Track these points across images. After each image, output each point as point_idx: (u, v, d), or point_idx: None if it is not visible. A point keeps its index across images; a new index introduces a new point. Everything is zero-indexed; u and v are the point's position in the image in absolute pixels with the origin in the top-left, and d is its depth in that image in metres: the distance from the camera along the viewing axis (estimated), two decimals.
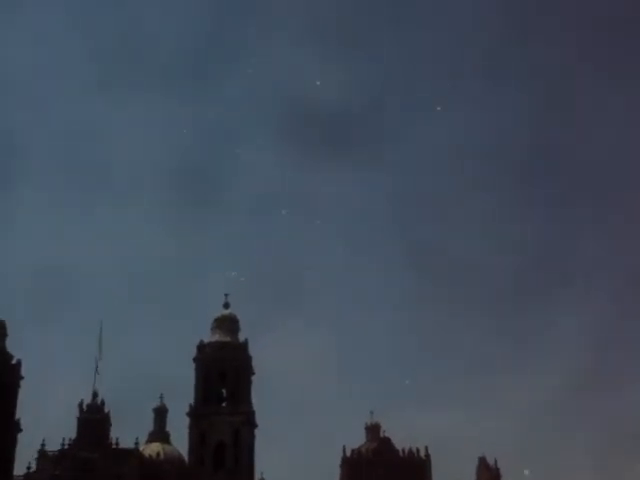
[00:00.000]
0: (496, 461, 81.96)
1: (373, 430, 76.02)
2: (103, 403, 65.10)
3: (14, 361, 65.42)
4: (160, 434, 73.58)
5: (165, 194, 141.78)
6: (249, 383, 70.73)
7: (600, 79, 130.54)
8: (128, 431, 66.09)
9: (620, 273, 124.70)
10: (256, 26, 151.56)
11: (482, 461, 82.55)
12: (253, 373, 71.54)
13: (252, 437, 69.31)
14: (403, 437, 76.65)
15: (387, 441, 74.42)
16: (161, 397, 75.32)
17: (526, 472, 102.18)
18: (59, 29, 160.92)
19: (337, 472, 71.89)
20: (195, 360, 70.37)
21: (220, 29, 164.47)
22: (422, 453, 75.09)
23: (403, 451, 74.40)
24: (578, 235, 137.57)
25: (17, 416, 63.11)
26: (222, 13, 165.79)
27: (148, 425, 75.11)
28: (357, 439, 76.45)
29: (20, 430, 62.63)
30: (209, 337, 72.35)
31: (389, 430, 75.77)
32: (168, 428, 75.27)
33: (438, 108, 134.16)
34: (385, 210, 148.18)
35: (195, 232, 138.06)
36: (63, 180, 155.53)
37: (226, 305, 74.38)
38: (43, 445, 61.87)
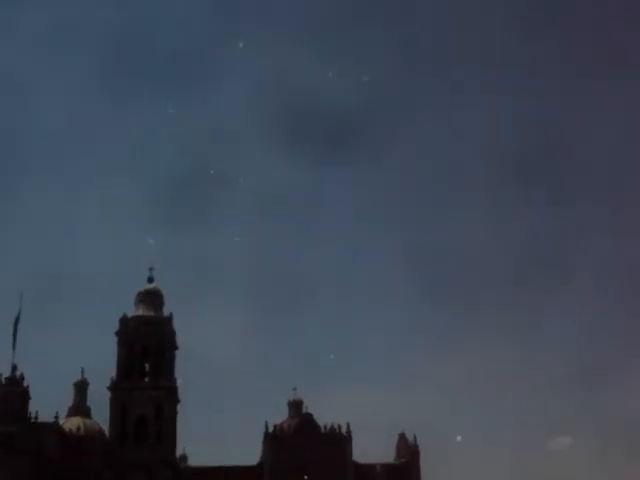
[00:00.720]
0: (415, 437, 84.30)
1: (295, 406, 76.96)
2: (22, 377, 64.33)
3: None
4: (81, 408, 72.56)
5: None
6: (172, 358, 70.53)
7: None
8: (48, 405, 65.64)
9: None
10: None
11: (402, 437, 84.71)
12: (177, 348, 71.31)
13: (174, 411, 69.33)
14: (325, 413, 78.10)
15: (309, 417, 75.37)
16: (82, 371, 74.22)
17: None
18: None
19: (259, 447, 72.60)
20: (117, 334, 69.79)
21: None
22: (344, 429, 76.55)
23: (325, 427, 75.52)
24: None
25: None
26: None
27: (68, 400, 74.11)
28: (280, 415, 77.46)
29: None
30: (133, 311, 71.92)
31: (312, 406, 76.97)
32: (89, 403, 74.39)
33: None
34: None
35: None
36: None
37: (150, 279, 73.88)
38: None
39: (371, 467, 79.45)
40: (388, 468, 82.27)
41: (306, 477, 67.98)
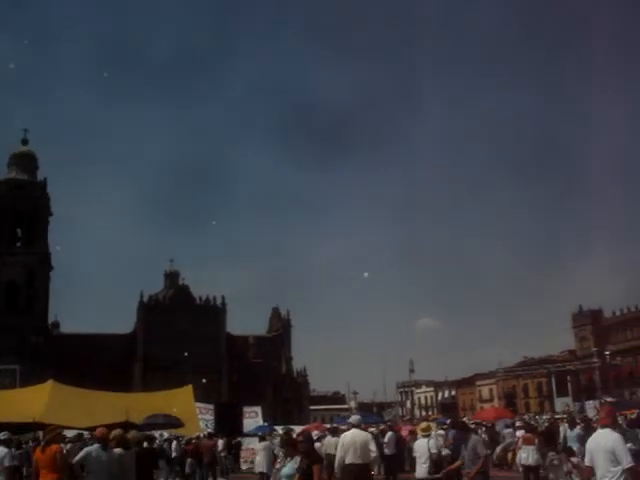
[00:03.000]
0: (288, 312, 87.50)
1: (172, 277, 77.48)
2: None
3: None
4: None
5: None
6: (46, 224, 68.56)
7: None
8: None
9: None
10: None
11: (275, 311, 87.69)
12: (51, 214, 69.30)
13: (47, 279, 68.26)
14: (202, 287, 79.56)
15: (185, 288, 76.39)
16: None
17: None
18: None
19: (134, 317, 73.15)
20: None
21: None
22: (219, 301, 78.16)
23: (200, 299, 76.92)
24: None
25: None
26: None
27: None
28: (156, 286, 77.95)
29: None
30: (5, 174, 68.80)
31: (188, 278, 77.94)
32: None
33: None
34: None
35: None
36: None
37: (24, 141, 70.27)
38: None
39: (244, 339, 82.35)
40: (261, 340, 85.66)
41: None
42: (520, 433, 17.70)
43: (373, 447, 10.19)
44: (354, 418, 11.29)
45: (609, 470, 6.76)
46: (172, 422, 21.59)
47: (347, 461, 10.03)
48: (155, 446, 19.99)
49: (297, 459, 8.05)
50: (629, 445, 16.62)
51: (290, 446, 8.03)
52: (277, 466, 15.20)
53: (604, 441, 6.94)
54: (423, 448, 11.52)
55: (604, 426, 7.15)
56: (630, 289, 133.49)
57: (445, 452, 15.06)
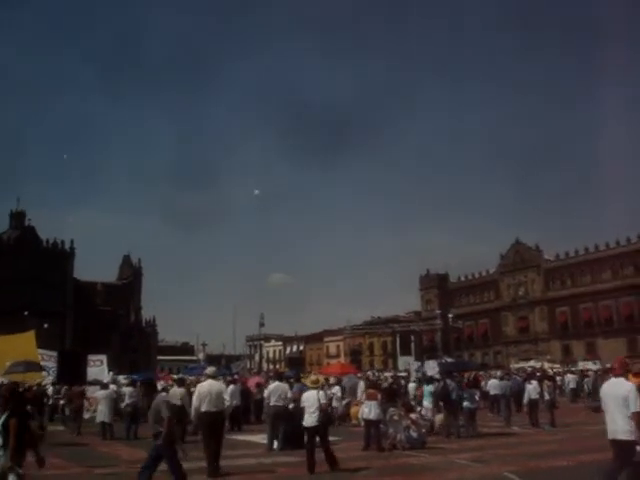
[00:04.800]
0: (140, 260, 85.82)
1: (17, 218, 73.60)
2: None
3: None
4: None
5: None
6: None
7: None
8: None
9: None
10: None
11: (126, 259, 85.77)
12: None
13: None
14: (50, 230, 75.93)
15: (31, 230, 72.90)
16: None
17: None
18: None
19: None
20: None
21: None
22: (67, 246, 75.37)
23: (47, 241, 73.79)
24: None
25: None
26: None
27: None
28: (1, 226, 74.07)
29: None
30: None
31: (35, 220, 74.21)
32: None
33: None
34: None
35: None
36: None
37: None
38: None
39: (92, 285, 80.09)
40: (110, 287, 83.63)
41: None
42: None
43: (227, 397, 11.57)
44: (210, 369, 12.26)
45: (620, 412, 7.74)
46: (34, 368, 21.06)
47: (203, 409, 10.94)
48: None
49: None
50: (466, 404, 17.86)
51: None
52: None
53: (617, 389, 7.91)
54: (313, 399, 11.90)
55: (617, 376, 8.17)
56: (474, 257, 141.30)
57: (292, 405, 15.79)
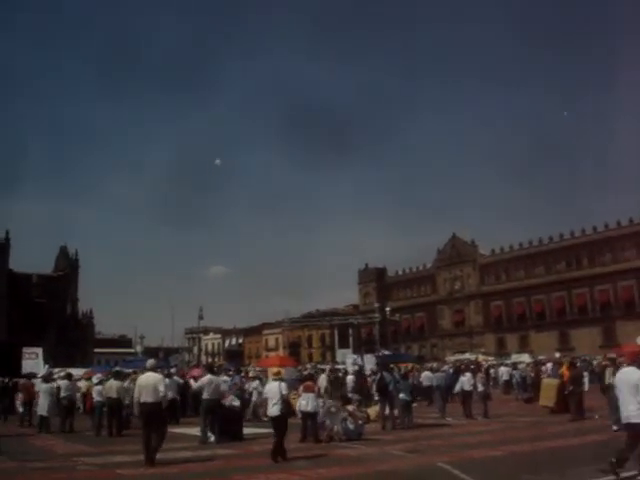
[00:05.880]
0: (77, 251, 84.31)
1: None
2: None
3: None
4: None
5: None
6: None
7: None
8: None
9: None
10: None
11: (62, 250, 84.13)
12: None
13: None
14: None
15: None
16: None
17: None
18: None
19: None
20: None
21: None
22: (2, 236, 73.64)
23: None
24: None
25: None
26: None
27: None
28: None
29: None
30: None
31: None
32: None
33: None
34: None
35: None
36: None
37: None
38: None
39: (27, 277, 78.37)
40: (45, 279, 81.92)
41: None
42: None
43: (162, 388, 11.62)
44: (149, 362, 12.61)
45: (633, 398, 8.61)
46: None
47: (141, 400, 11.55)
48: None
49: None
50: (402, 395, 18.24)
51: None
52: None
53: (630, 376, 8.81)
54: (275, 390, 12.47)
55: (629, 364, 9.15)
56: (411, 252, 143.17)
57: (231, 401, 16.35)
